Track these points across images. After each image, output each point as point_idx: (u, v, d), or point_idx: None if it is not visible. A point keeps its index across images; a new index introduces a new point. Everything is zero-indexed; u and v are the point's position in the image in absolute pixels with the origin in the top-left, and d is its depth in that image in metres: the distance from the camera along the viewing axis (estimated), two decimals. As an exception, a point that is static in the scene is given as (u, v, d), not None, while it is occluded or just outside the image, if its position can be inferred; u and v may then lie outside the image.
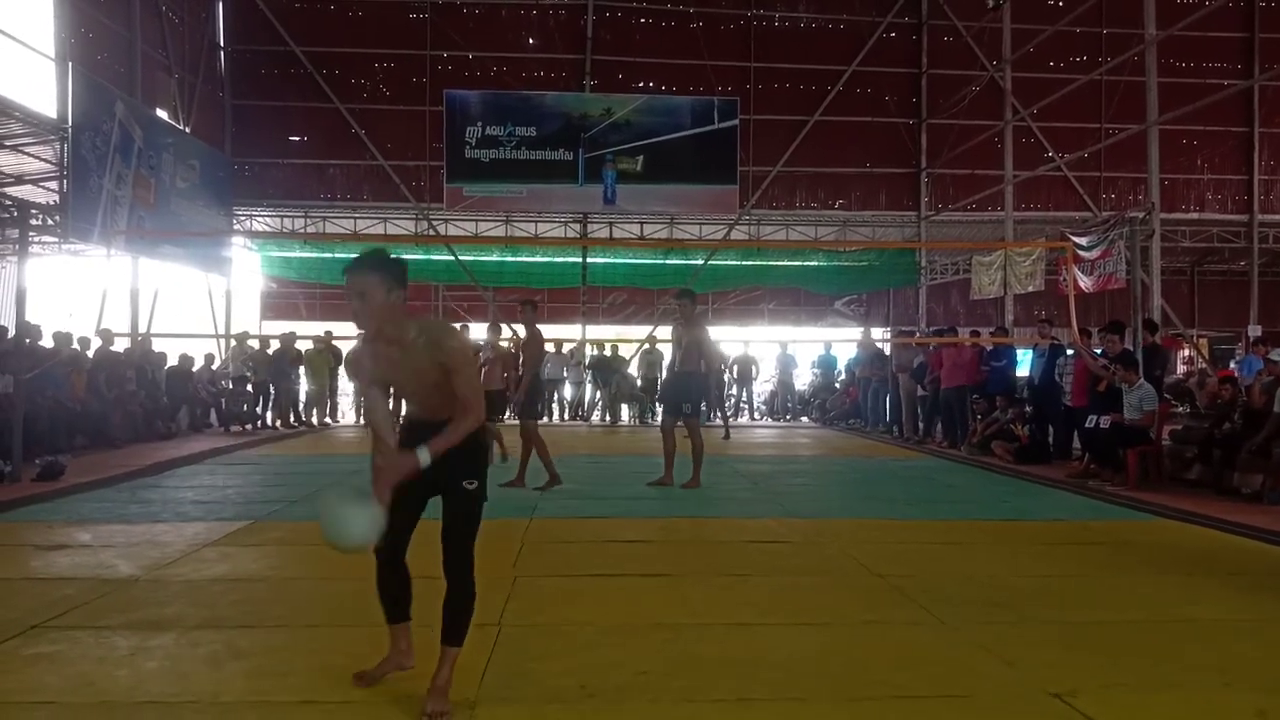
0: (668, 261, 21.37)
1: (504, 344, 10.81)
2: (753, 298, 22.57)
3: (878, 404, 15.71)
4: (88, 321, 14.14)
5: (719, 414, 16.63)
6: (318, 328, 17.91)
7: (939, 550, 6.30)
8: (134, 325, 15.92)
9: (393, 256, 3.30)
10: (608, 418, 17.95)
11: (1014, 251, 18.22)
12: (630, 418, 17.87)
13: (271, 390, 15.49)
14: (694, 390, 9.00)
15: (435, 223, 20.51)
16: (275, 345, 16.14)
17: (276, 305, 21.42)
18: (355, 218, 20.94)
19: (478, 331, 16.41)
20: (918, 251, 22.12)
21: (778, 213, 21.54)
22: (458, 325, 11.27)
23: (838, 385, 18.30)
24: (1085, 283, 15.31)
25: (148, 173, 15.48)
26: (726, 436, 14.84)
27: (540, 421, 9.53)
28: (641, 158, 19.77)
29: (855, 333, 19.05)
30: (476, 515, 3.37)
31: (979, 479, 10.19)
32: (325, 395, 16.64)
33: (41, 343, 11.81)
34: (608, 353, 18.49)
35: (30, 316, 10.16)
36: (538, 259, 21.27)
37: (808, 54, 20.87)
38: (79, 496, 8.14)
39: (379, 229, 20.61)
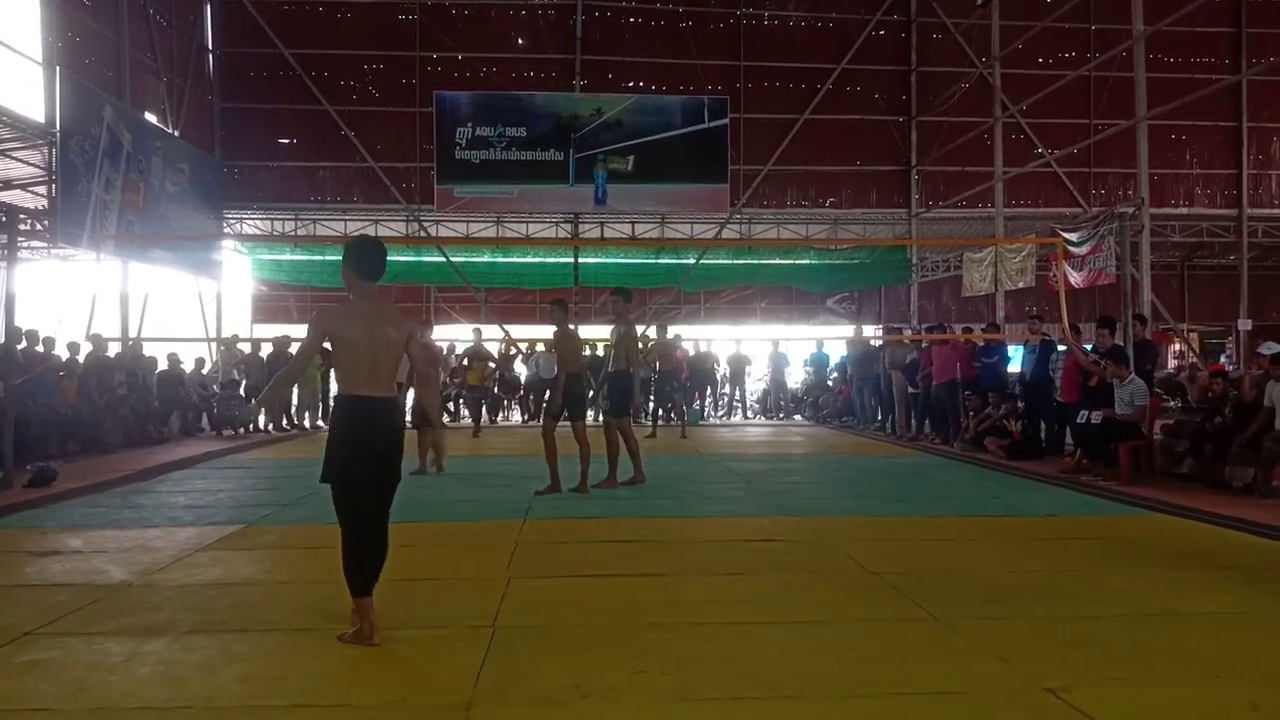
0: (659, 261, 21.38)
1: (441, 344, 10.61)
2: (745, 296, 22.60)
3: (869, 401, 15.73)
4: (78, 327, 14.10)
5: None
6: (309, 331, 17.82)
7: (932, 547, 6.31)
8: (124, 330, 15.84)
9: (363, 240, 4.33)
10: (600, 418, 17.92)
11: (1004, 248, 18.25)
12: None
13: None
14: (615, 390, 8.97)
15: (426, 224, 20.47)
16: (267, 348, 16.08)
17: (267, 308, 21.34)
18: (346, 220, 20.87)
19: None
20: (909, 249, 22.17)
21: (769, 211, 21.55)
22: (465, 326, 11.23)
23: (830, 383, 18.32)
24: (1076, 278, 15.34)
25: (137, 177, 15.41)
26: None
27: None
28: (632, 157, 19.75)
29: (847, 330, 19.07)
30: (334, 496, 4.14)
31: (971, 475, 10.22)
32: (317, 398, 16.57)
33: (38, 348, 11.77)
34: (600, 353, 18.44)
35: (19, 322, 10.11)
36: (529, 260, 21.26)
37: (797, 52, 20.88)
38: (71, 502, 8.11)
39: (370, 231, 20.52)
